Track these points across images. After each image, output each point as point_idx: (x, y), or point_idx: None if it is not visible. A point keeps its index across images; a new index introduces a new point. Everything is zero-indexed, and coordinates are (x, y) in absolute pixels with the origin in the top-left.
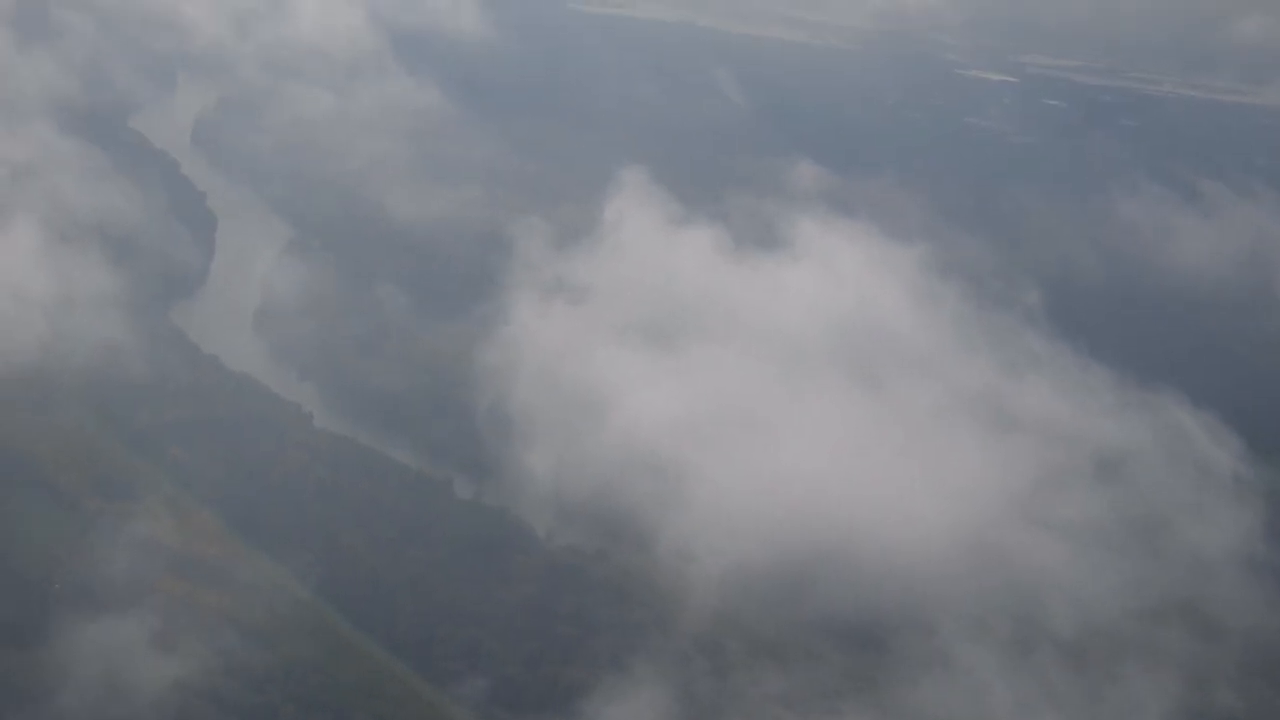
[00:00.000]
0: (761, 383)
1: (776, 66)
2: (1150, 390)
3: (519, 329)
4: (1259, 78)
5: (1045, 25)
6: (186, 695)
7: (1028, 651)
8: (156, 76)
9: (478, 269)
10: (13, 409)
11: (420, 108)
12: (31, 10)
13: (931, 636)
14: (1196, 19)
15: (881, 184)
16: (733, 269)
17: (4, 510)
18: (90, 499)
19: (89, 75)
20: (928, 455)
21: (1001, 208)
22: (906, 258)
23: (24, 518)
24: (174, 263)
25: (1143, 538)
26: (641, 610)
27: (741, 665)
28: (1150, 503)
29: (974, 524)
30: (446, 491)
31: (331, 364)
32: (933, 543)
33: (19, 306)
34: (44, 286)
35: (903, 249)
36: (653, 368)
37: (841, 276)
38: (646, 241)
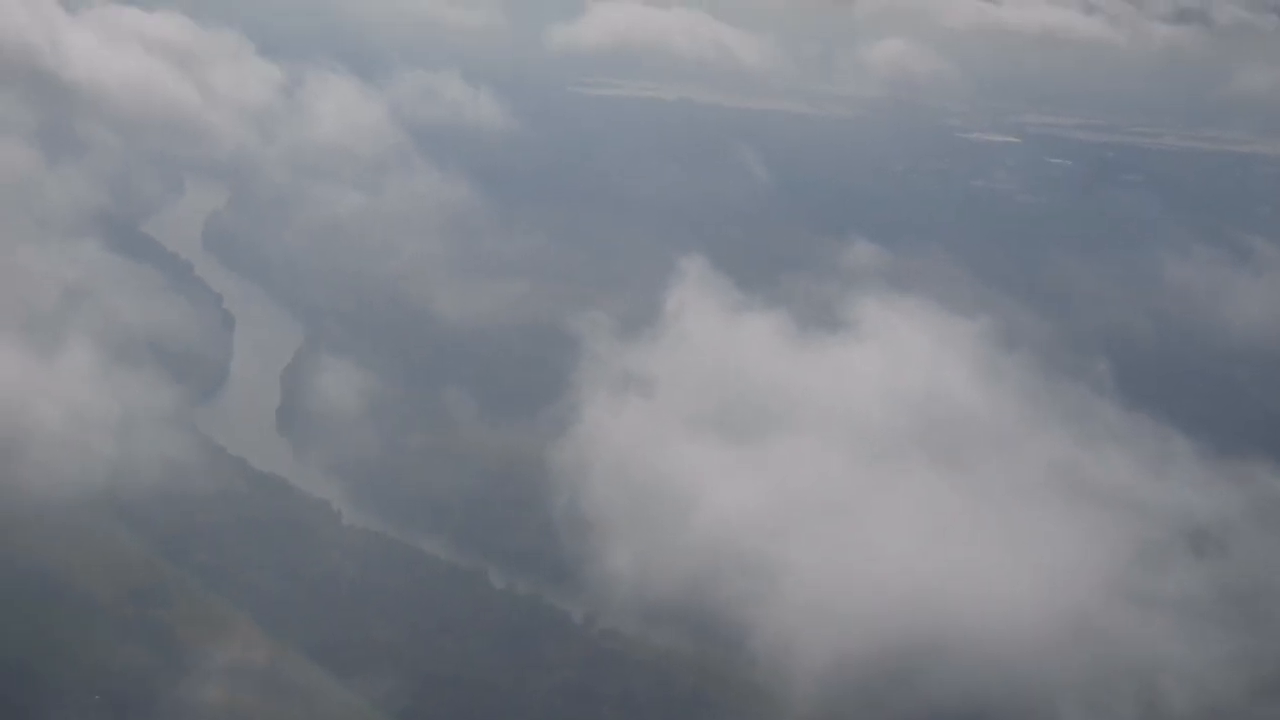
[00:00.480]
0: (841, 469)
1: (786, 140)
2: (1233, 456)
3: (578, 423)
4: (1264, 128)
5: (1043, 85)
6: None
7: None
8: (180, 182)
9: (527, 363)
10: (41, 521)
11: (450, 201)
12: (57, 125)
13: None
14: (1194, 73)
15: (913, 254)
16: (797, 352)
17: (38, 623)
18: (125, 608)
19: (116, 186)
20: (1018, 534)
21: (1037, 272)
22: (963, 330)
23: (58, 630)
24: (195, 364)
25: (1247, 610)
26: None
27: None
28: (1250, 573)
29: (1073, 602)
30: (482, 581)
31: (359, 461)
32: (1033, 623)
33: (39, 418)
34: (65, 397)
35: (957, 321)
36: (726, 460)
37: (905, 354)
38: (703, 329)
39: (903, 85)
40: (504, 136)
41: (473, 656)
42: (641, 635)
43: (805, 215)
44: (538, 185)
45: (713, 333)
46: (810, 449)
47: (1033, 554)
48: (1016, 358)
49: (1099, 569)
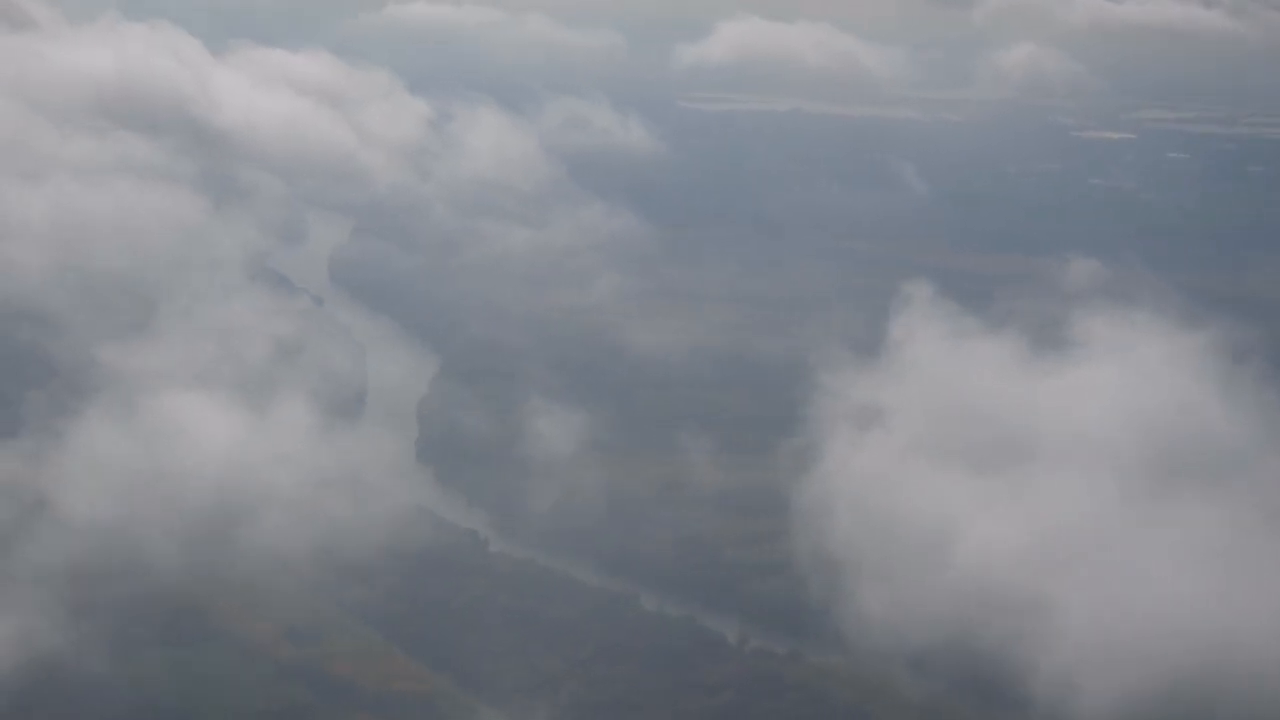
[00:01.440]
0: (1096, 496)
1: (904, 146)
2: None
3: (812, 456)
4: None
5: (1159, 80)
6: None
7: None
8: (346, 224)
9: (744, 394)
10: (190, 559)
11: (620, 230)
12: (217, 171)
13: None
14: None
15: (1080, 263)
16: (1028, 374)
17: (197, 664)
18: (281, 646)
19: (284, 230)
20: None
21: (1212, 275)
22: (1186, 343)
23: (217, 670)
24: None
25: None
26: None
27: None
28: None
29: None
30: (634, 606)
31: (501, 488)
32: None
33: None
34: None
35: (1178, 334)
36: (976, 491)
37: (1137, 371)
38: (927, 353)
39: (1017, 86)
40: (652, 159)
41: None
42: (907, 683)
43: (956, 225)
44: (698, 208)
45: (938, 356)
46: (1061, 476)
47: None
48: (1247, 370)
49: None
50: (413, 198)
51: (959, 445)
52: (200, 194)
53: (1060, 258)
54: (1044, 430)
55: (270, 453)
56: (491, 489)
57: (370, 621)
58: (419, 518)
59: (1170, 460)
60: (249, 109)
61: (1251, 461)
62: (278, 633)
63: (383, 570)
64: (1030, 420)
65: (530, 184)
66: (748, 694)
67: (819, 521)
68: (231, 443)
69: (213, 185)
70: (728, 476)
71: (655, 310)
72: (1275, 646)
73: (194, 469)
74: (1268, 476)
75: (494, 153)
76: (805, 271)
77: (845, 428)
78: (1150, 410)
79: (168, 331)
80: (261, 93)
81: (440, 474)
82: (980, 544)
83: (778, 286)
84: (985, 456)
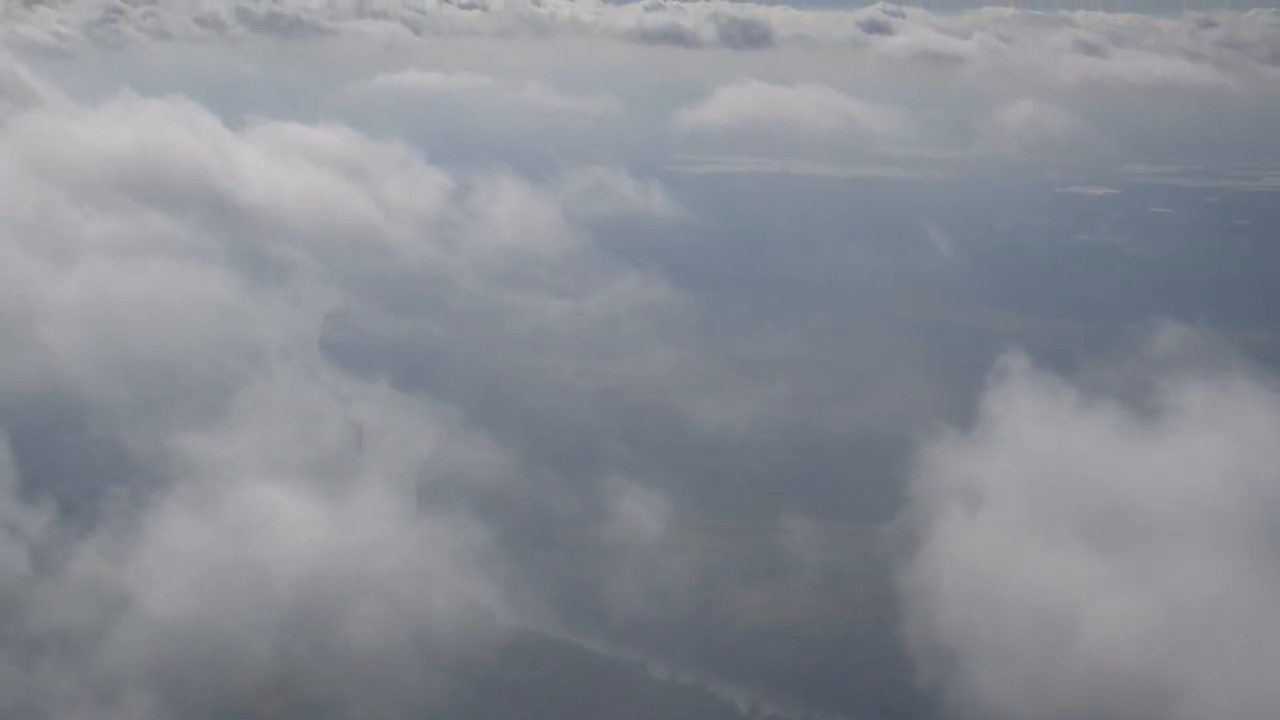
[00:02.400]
0: (1225, 573)
1: (895, 205)
2: None
3: (909, 533)
4: None
5: (1137, 134)
6: None
7: None
8: (376, 298)
9: (825, 470)
10: (277, 653)
11: (658, 300)
12: (244, 247)
13: None
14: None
15: (1123, 320)
16: (1127, 442)
17: None
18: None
19: (313, 305)
20: None
21: (1242, 332)
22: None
23: None
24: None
25: None
26: None
27: None
28: None
29: None
30: (642, 675)
31: (589, 574)
32: None
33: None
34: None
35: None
36: (1096, 571)
37: (1241, 440)
38: (1010, 420)
39: (1019, 142)
40: (674, 224)
41: None
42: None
43: (973, 283)
44: (725, 272)
45: (1025, 424)
46: (1182, 551)
47: None
48: None
49: None
50: (442, 270)
51: (1071, 521)
52: (234, 272)
53: (1097, 318)
54: (1156, 502)
55: (351, 541)
56: (579, 574)
57: (386, 700)
58: (504, 606)
59: None
60: (271, 184)
61: None
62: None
63: (472, 662)
64: (1140, 491)
65: (557, 253)
66: None
67: (926, 603)
68: (311, 531)
69: (244, 262)
70: (822, 555)
71: (715, 380)
72: None
73: (276, 560)
74: None
75: (517, 222)
76: (853, 336)
77: (941, 501)
78: (1263, 479)
79: (235, 417)
80: (283, 167)
81: (525, 559)
82: (1102, 624)
83: (831, 352)
84: (1102, 533)
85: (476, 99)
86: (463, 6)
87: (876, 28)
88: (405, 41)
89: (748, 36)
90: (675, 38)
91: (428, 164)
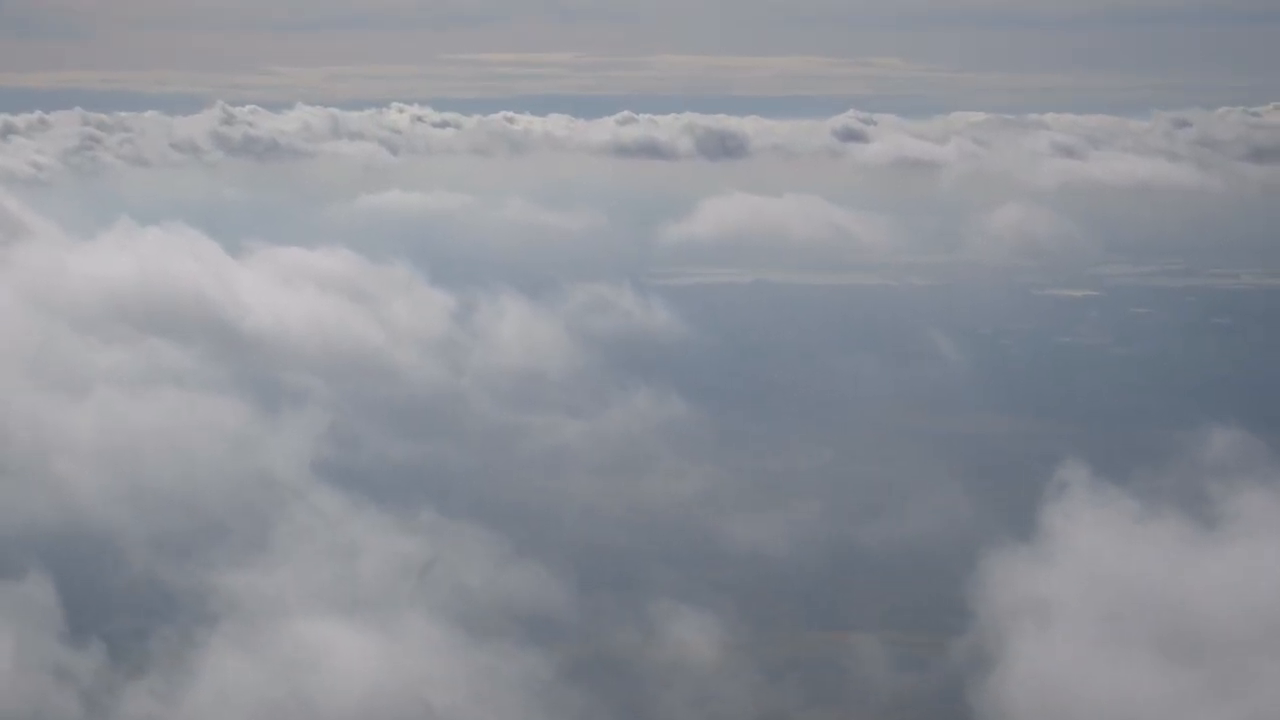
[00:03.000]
0: None
1: (897, 314)
2: None
3: (988, 653)
4: None
5: (1112, 236)
6: None
7: None
8: (387, 424)
9: (875, 588)
10: None
11: (674, 417)
12: (252, 375)
13: None
14: (1256, 211)
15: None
16: (1184, 551)
17: None
18: None
19: (337, 436)
20: None
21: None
22: None
23: None
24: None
25: None
26: None
27: None
28: None
29: None
30: None
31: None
32: None
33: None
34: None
35: None
36: (1180, 687)
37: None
38: (1062, 532)
39: (986, 249)
40: (676, 339)
41: None
42: None
43: (975, 390)
44: (735, 387)
45: (1075, 535)
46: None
47: None
48: None
49: None
50: (451, 392)
51: (1148, 636)
52: (245, 400)
53: (1116, 422)
54: (1230, 614)
55: (401, 673)
56: (635, 699)
57: None
58: None
59: None
60: (276, 309)
61: None
62: None
63: None
64: (1212, 604)
65: (564, 372)
66: None
67: None
68: (361, 665)
69: (254, 390)
70: (882, 674)
71: (744, 496)
72: None
73: (330, 697)
74: None
75: (522, 341)
76: (869, 447)
77: (1005, 617)
78: None
79: (269, 550)
80: (285, 292)
81: (577, 685)
82: None
83: (852, 464)
84: (1183, 647)
85: (461, 218)
86: (435, 125)
87: (852, 135)
88: (383, 162)
89: (725, 147)
90: (652, 150)
91: (428, 284)
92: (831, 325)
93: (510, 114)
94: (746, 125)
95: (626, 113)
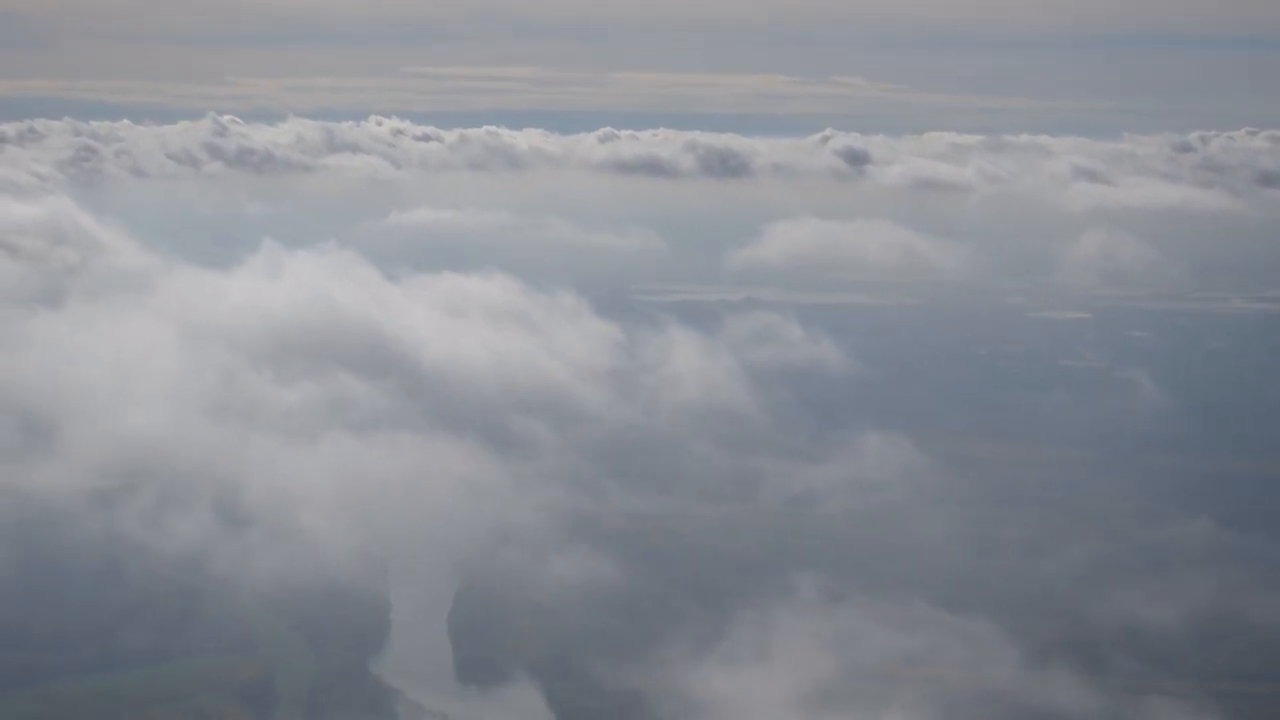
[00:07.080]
0: None
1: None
2: None
3: None
4: None
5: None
6: None
7: None
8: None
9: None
10: None
11: (901, 458)
12: (442, 410)
13: None
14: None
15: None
16: None
17: None
18: None
19: (573, 482)
20: None
21: None
22: None
23: None
24: None
25: None
26: None
27: None
28: None
29: None
30: None
31: None
32: None
33: None
34: None
35: None
36: None
37: None
38: None
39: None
40: (849, 373)
41: None
42: None
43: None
44: (921, 419)
45: None
46: None
47: None
48: None
49: None
50: (652, 433)
51: None
52: (462, 442)
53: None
54: None
55: None
56: None
57: None
58: None
59: None
60: (451, 341)
61: None
62: None
63: None
64: None
65: (758, 409)
66: None
67: None
68: None
69: (461, 430)
70: None
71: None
72: None
73: None
74: None
75: (700, 376)
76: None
77: None
78: None
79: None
80: (455, 322)
81: None
82: None
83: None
84: None
85: (507, 238)
86: (418, 139)
87: (858, 157)
88: (387, 175)
89: (726, 166)
90: (654, 167)
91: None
92: (977, 349)
93: (492, 128)
94: (738, 143)
95: (608, 129)
